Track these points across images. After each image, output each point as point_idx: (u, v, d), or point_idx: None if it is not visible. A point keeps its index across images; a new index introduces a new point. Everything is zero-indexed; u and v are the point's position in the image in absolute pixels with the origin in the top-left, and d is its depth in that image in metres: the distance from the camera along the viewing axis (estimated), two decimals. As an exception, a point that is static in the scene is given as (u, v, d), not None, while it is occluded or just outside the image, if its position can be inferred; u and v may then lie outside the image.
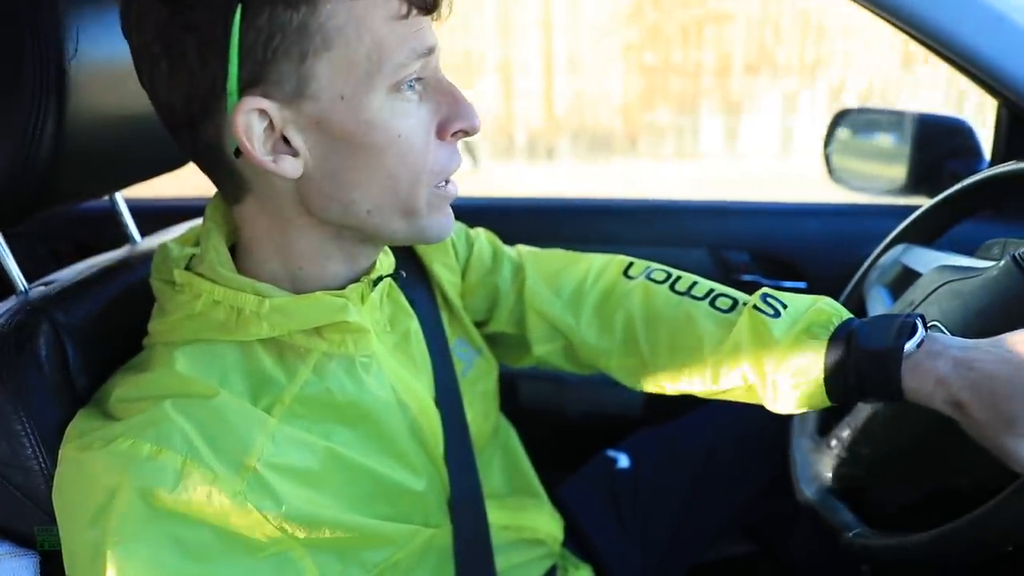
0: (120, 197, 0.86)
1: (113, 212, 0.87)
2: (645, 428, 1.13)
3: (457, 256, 0.86)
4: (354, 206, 0.60)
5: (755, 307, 0.70)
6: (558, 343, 0.84)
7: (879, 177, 1.26)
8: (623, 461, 1.07)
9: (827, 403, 0.66)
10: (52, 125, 0.61)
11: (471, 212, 1.34)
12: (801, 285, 1.28)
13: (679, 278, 0.80)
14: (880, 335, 0.62)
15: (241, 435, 0.57)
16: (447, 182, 0.64)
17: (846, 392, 0.64)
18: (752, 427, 1.06)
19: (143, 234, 0.88)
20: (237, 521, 0.55)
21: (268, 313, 0.60)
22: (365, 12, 0.54)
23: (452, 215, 0.65)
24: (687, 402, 1.16)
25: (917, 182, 1.19)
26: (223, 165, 0.59)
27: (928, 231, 0.88)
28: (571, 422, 1.40)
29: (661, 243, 1.31)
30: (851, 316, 0.68)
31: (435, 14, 0.59)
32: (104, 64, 0.66)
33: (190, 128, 0.57)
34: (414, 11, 0.56)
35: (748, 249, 1.27)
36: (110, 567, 0.51)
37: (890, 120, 1.25)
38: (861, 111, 1.28)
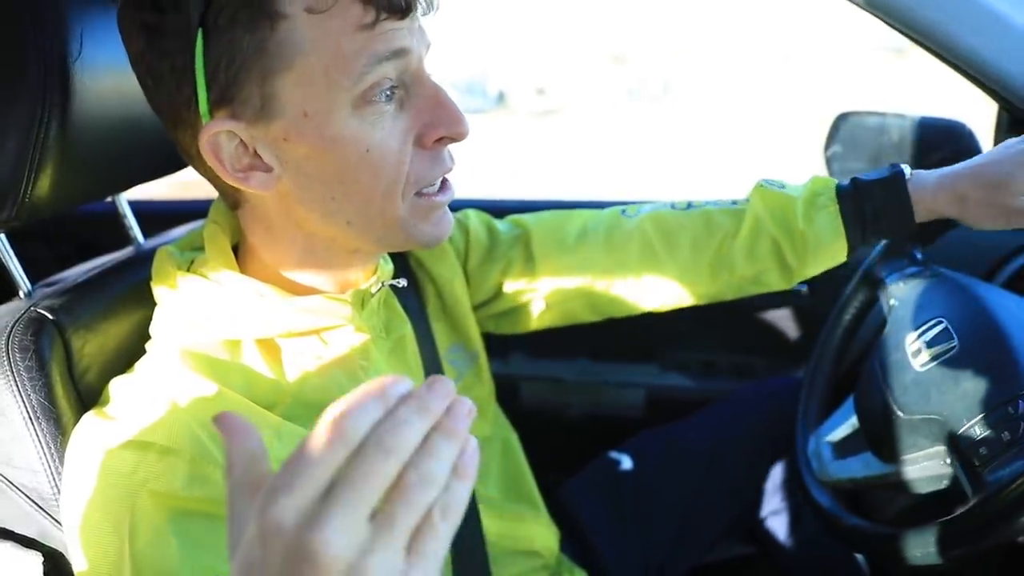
0: (123, 198, 0.87)
1: (116, 214, 0.87)
2: (647, 429, 1.14)
3: (456, 250, 0.86)
4: (332, 218, 0.60)
5: (761, 185, 0.80)
6: (574, 289, 0.87)
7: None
8: (625, 463, 1.07)
9: (847, 250, 0.76)
10: (56, 126, 0.61)
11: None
12: (801, 288, 1.28)
13: (675, 202, 0.85)
14: (878, 173, 0.75)
15: None
16: (435, 186, 0.62)
17: (864, 229, 0.75)
18: (754, 428, 1.06)
19: (146, 236, 0.88)
20: None
21: (269, 314, 0.61)
22: (324, 26, 0.54)
23: (444, 221, 0.64)
24: (688, 404, 1.17)
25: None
26: (215, 178, 0.61)
27: (926, 233, 0.88)
28: (572, 423, 1.40)
29: None
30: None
31: (413, 14, 0.57)
32: (108, 66, 0.66)
33: (182, 142, 0.60)
34: (383, 15, 0.54)
35: None
36: (135, 570, 0.51)
37: (890, 123, 1.25)
38: (862, 113, 1.28)
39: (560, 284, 0.86)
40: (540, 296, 0.88)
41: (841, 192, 0.76)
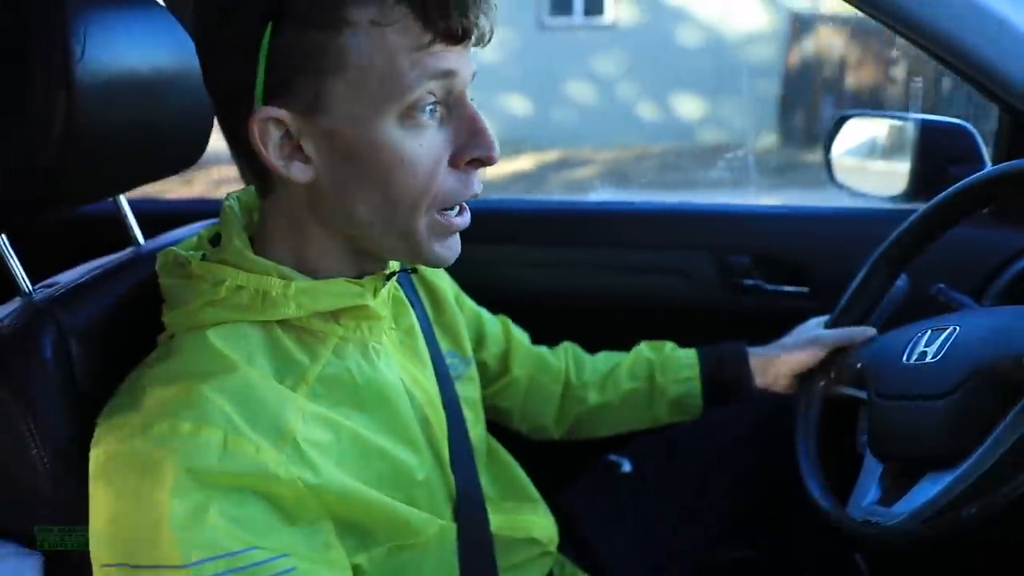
0: (124, 199, 0.87)
1: (117, 214, 0.87)
2: (647, 432, 1.14)
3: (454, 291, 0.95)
4: (356, 217, 0.63)
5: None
6: (530, 369, 1.02)
7: (881, 182, 1.26)
8: (625, 466, 1.08)
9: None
10: (58, 128, 0.61)
11: (473, 215, 1.34)
12: (803, 290, 1.28)
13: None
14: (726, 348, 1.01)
15: (275, 409, 0.58)
16: (455, 210, 0.65)
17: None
18: (753, 431, 1.06)
19: (146, 236, 0.88)
20: (280, 491, 0.56)
21: (294, 295, 0.63)
22: (384, 38, 0.57)
23: (455, 246, 0.67)
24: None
25: (919, 187, 1.19)
26: (254, 161, 0.63)
27: (920, 238, 0.88)
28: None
29: (662, 247, 1.31)
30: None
31: (467, 42, 0.60)
32: (111, 67, 0.66)
33: (228, 123, 0.63)
34: (439, 39, 0.58)
35: (750, 253, 1.27)
36: (174, 548, 0.52)
37: (892, 124, 1.25)
38: (862, 115, 1.28)
39: (522, 357, 1.02)
40: (505, 363, 1.01)
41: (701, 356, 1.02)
